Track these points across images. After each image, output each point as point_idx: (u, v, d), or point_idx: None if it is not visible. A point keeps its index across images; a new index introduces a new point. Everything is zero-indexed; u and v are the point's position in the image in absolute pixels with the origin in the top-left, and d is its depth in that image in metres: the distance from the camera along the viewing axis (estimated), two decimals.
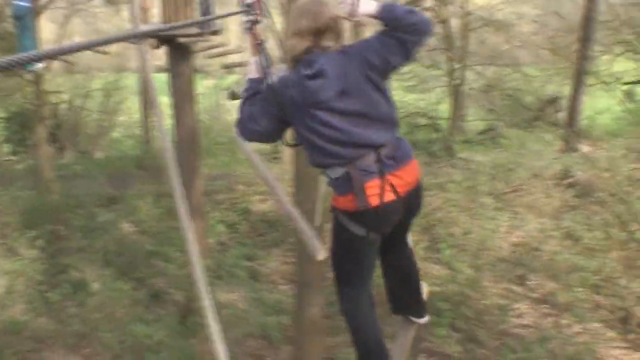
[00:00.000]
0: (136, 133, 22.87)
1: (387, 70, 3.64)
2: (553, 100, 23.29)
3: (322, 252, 3.99)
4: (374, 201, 3.60)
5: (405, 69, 25.14)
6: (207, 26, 12.24)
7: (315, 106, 3.54)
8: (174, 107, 13.13)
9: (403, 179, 3.69)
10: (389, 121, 3.69)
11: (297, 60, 3.64)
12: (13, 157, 23.59)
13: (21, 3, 12.00)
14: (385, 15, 3.57)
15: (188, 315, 13.13)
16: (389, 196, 3.64)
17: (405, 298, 4.62)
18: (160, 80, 18.29)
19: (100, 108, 25.63)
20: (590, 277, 13.76)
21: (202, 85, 23.52)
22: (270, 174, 5.69)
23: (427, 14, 22.28)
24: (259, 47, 3.79)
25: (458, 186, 16.27)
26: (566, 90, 21.26)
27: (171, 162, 3.10)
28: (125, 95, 26.49)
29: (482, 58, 22.39)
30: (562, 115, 21.68)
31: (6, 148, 25.09)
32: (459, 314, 13.30)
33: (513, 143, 18.96)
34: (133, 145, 22.69)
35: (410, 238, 4.42)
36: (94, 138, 25.15)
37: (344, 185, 3.67)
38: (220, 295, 13.98)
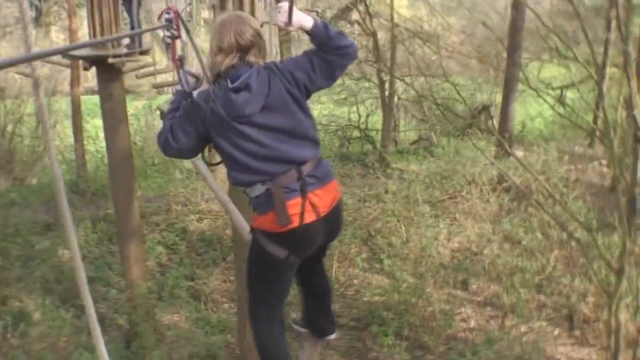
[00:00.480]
0: (69, 157, 22.49)
1: (310, 90, 3.72)
2: (485, 108, 23.67)
3: None
4: (295, 220, 3.59)
5: (336, 82, 25.38)
6: (136, 45, 12.23)
7: (239, 120, 3.52)
8: (106, 130, 13.05)
9: (323, 198, 3.68)
10: (310, 139, 3.73)
11: (220, 76, 3.63)
12: None
13: None
14: (318, 32, 3.65)
15: (133, 340, 13.01)
16: (310, 216, 3.63)
17: (320, 317, 4.64)
18: (93, 102, 18.19)
19: (32, 133, 25.21)
20: (532, 278, 14.09)
21: (133, 107, 23.33)
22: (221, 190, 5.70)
23: (355, 28, 22.56)
24: (178, 62, 3.82)
25: (394, 196, 16.45)
26: (497, 98, 21.69)
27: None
28: (56, 119, 26.08)
29: (411, 69, 22.63)
30: (494, 122, 22.04)
31: None
32: (404, 322, 13.50)
33: (447, 151, 19.22)
34: (67, 170, 22.30)
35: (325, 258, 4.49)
36: (28, 164, 24.71)
37: (264, 204, 3.63)
38: (164, 317, 13.90)
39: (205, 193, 17.20)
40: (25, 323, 13.99)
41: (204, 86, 3.76)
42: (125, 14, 13.07)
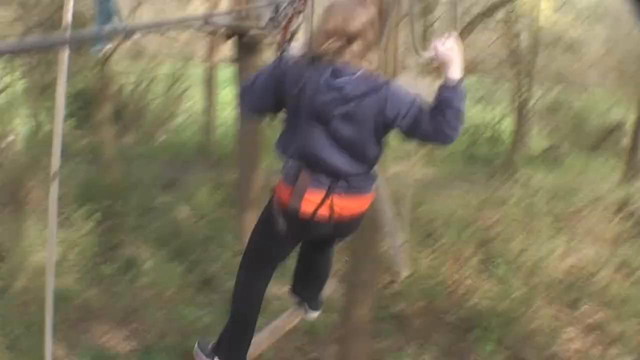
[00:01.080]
0: (200, 121, 23.01)
1: (390, 127, 3.47)
2: (618, 126, 22.92)
3: (405, 271, 3.95)
4: (307, 208, 3.52)
5: (473, 80, 24.96)
6: (277, 19, 12.30)
7: (315, 114, 3.42)
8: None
9: (346, 205, 3.58)
10: (367, 163, 3.60)
11: (319, 59, 3.42)
12: (77, 132, 23.95)
13: None
14: (449, 89, 3.36)
15: None
16: (323, 212, 3.54)
17: (307, 288, 4.66)
18: (229, 71, 18.50)
19: (165, 93, 25.87)
20: None
21: None
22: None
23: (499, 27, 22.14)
24: (288, 34, 3.76)
25: (517, 203, 16.11)
26: (632, 116, 20.96)
27: None
28: (190, 83, 26.68)
29: (549, 76, 22.12)
30: (625, 142, 21.34)
31: (70, 123, 25.53)
32: (508, 332, 13.25)
33: (575, 165, 18.73)
34: (195, 133, 22.84)
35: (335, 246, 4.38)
36: (158, 122, 25.39)
37: (290, 177, 3.56)
38: (271, 287, 14.09)
39: None
40: (136, 270, 14.48)
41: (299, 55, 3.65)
42: None
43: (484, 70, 23.68)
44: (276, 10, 12.10)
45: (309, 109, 3.41)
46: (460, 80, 3.36)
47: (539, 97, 22.73)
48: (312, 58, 3.43)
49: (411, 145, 19.18)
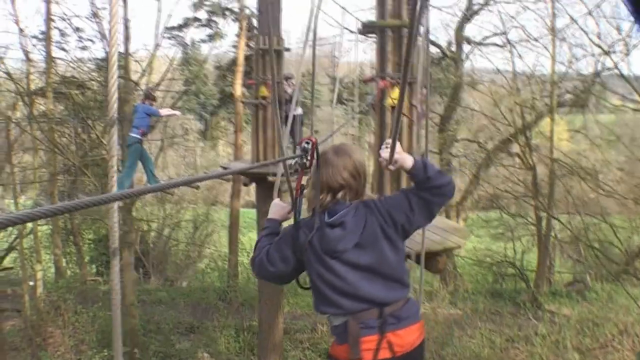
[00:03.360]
0: (222, 266, 23.20)
1: (409, 230, 3.64)
2: None
3: None
4: (367, 356, 3.46)
5: (493, 216, 25.01)
6: (296, 165, 12.53)
7: (330, 254, 3.52)
8: None
9: (403, 339, 3.54)
10: (399, 280, 3.63)
11: (315, 210, 3.61)
12: (98, 278, 24.15)
13: (132, 135, 12.88)
14: (417, 172, 3.62)
15: None
16: (384, 354, 3.49)
17: None
18: (251, 215, 18.71)
19: (188, 239, 26.18)
20: None
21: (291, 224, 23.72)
22: None
23: (515, 160, 22.36)
24: (298, 190, 3.89)
25: (544, 340, 15.84)
26: None
27: None
28: (213, 229, 27.06)
29: (568, 206, 22.20)
30: None
31: (92, 269, 25.77)
32: None
33: (600, 296, 18.52)
34: (218, 278, 22.98)
35: None
36: (180, 267, 25.59)
37: (341, 334, 3.55)
38: None
39: None
40: None
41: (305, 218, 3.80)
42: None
43: (503, 206, 23.84)
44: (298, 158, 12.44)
45: (323, 255, 3.51)
46: (415, 162, 3.64)
47: (559, 229, 22.72)
48: (312, 210, 3.63)
49: (435, 286, 19.27)
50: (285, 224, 3.90)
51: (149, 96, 13.54)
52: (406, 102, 7.39)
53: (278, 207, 3.99)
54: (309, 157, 3.79)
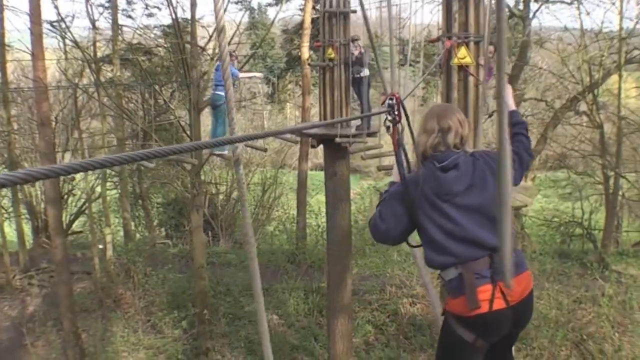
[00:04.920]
0: (290, 228, 23.33)
1: None
2: None
3: None
4: (485, 306, 3.59)
5: (561, 176, 24.64)
6: (364, 127, 12.52)
7: (444, 197, 3.67)
8: (328, 206, 13.38)
9: (515, 287, 3.63)
10: None
11: (425, 157, 3.83)
12: (167, 241, 24.53)
13: (219, 93, 13.09)
14: (516, 114, 4.17)
15: None
16: (499, 303, 3.61)
17: None
18: (319, 178, 18.75)
19: (257, 202, 26.37)
20: None
21: (359, 186, 23.81)
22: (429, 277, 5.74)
23: (582, 119, 22.00)
24: (397, 145, 3.96)
25: (610, 300, 15.66)
26: None
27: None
28: (281, 191, 27.21)
29: (636, 165, 21.81)
30: None
31: (160, 233, 26.19)
32: None
33: None
34: (287, 240, 23.13)
35: (513, 352, 4.36)
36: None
37: (456, 287, 3.68)
38: None
39: (421, 278, 17.19)
40: None
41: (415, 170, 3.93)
42: (355, 96, 13.47)
43: (570, 165, 23.49)
44: (362, 120, 12.38)
45: (437, 200, 3.70)
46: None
47: (627, 188, 22.32)
48: (422, 157, 3.86)
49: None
50: None
51: (232, 56, 13.81)
52: (473, 62, 7.34)
53: (398, 168, 4.06)
54: (396, 112, 3.91)
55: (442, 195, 3.67)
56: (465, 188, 3.67)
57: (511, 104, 4.35)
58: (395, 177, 4.06)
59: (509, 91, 4.43)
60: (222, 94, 13.31)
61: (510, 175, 2.32)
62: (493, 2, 7.33)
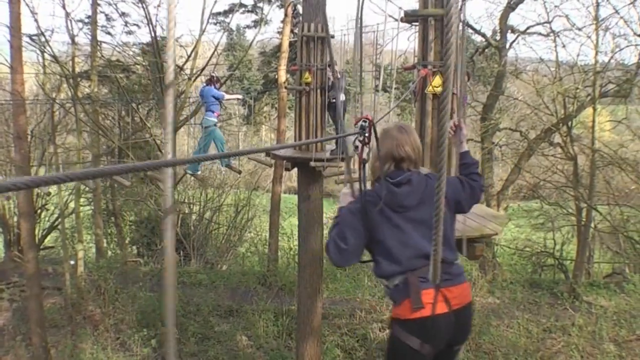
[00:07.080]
0: (262, 250, 23.38)
1: (454, 207, 4.13)
2: None
3: None
4: (428, 309, 3.74)
5: (534, 206, 24.86)
6: (338, 151, 12.61)
7: (397, 210, 3.89)
8: (301, 229, 13.44)
9: (456, 295, 3.84)
10: (449, 242, 3.98)
11: (380, 178, 4.04)
12: (139, 259, 24.47)
13: (207, 118, 13.42)
14: (467, 155, 4.47)
15: None
16: (442, 307, 3.77)
17: None
18: (292, 201, 18.82)
19: (229, 222, 26.40)
20: None
21: (332, 210, 23.79)
22: None
23: (556, 150, 22.23)
24: (361, 165, 4.11)
25: (580, 330, 15.80)
26: None
27: None
28: (254, 213, 27.27)
29: (609, 198, 22.06)
30: None
31: (132, 250, 26.13)
32: None
33: (638, 288, 18.34)
34: (258, 262, 23.18)
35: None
36: (221, 250, 25.81)
37: (401, 291, 3.84)
38: None
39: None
40: None
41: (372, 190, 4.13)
42: (331, 120, 13.60)
43: (543, 196, 23.74)
44: (336, 142, 12.49)
45: (391, 213, 3.90)
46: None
47: (599, 220, 22.57)
48: (375, 181, 4.11)
49: (474, 274, 19.26)
50: None
51: (215, 79, 14.09)
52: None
53: (347, 196, 4.27)
54: (367, 134, 4.08)
55: (395, 207, 3.89)
56: (417, 203, 3.90)
57: (464, 146, 4.63)
58: (343, 202, 4.17)
59: (464, 132, 4.71)
60: (210, 118, 13.65)
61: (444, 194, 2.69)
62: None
